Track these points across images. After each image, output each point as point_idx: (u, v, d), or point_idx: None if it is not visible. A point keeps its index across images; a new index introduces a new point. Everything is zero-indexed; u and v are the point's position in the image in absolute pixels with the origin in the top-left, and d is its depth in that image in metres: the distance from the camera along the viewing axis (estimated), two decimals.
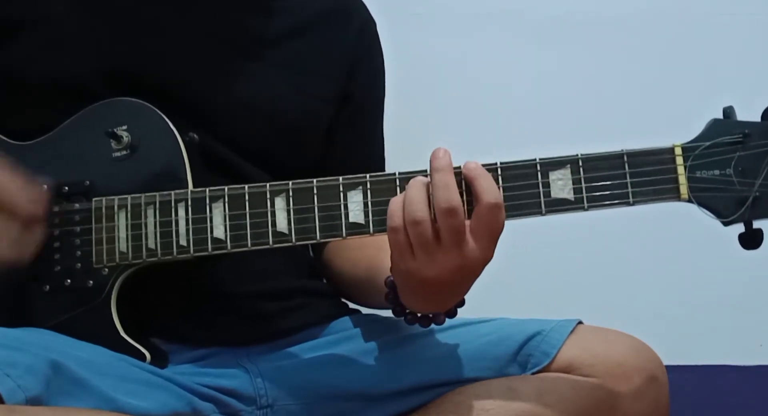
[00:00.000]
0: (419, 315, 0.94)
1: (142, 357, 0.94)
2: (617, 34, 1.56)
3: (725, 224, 0.87)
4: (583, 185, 0.88)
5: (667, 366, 0.97)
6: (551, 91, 1.55)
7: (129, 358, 0.94)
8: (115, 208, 0.96)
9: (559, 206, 0.88)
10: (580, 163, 0.88)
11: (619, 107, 1.55)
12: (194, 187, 0.96)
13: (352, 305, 1.16)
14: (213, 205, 0.94)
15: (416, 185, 0.86)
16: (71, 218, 0.97)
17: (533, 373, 0.97)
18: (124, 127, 0.98)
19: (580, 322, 1.01)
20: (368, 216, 0.91)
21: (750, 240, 0.87)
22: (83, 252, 0.96)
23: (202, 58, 1.06)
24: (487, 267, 0.88)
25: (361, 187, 0.91)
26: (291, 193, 0.92)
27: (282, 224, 0.92)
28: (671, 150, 0.88)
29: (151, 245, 0.95)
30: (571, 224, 1.26)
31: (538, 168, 0.89)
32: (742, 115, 0.89)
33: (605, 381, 0.94)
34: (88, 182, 0.97)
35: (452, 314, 0.94)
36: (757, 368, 1.56)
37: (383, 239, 0.89)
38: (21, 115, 1.03)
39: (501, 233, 0.86)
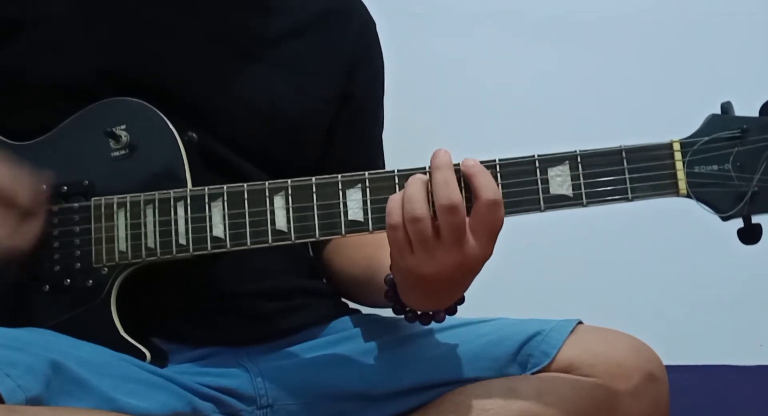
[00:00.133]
0: (419, 312, 0.94)
1: (142, 357, 0.94)
2: (617, 34, 1.56)
3: (724, 219, 0.87)
4: (582, 181, 0.88)
5: (667, 366, 0.97)
6: (551, 91, 1.55)
7: (129, 358, 0.94)
8: (114, 207, 0.96)
9: (557, 202, 0.88)
10: (579, 159, 0.88)
11: (619, 107, 1.55)
12: (193, 186, 0.96)
13: (352, 305, 1.16)
14: (212, 203, 0.94)
15: (415, 182, 0.86)
16: (70, 218, 0.97)
17: (533, 373, 0.97)
18: (123, 127, 0.98)
19: (580, 322, 1.01)
20: (367, 214, 0.90)
21: (749, 235, 0.87)
22: (83, 252, 0.96)
23: (202, 58, 1.06)
24: (486, 267, 0.88)
25: (360, 185, 0.91)
26: (290, 191, 0.92)
27: (281, 222, 0.92)
28: (669, 145, 0.88)
29: (151, 244, 0.95)
30: (571, 223, 1.27)
31: (537, 164, 0.89)
32: (741, 114, 0.89)
33: (605, 381, 0.94)
34: (87, 182, 0.97)
35: (452, 311, 0.94)
36: (757, 368, 1.56)
37: (382, 237, 0.89)
38: (21, 115, 1.03)
39: (500, 230, 0.86)
